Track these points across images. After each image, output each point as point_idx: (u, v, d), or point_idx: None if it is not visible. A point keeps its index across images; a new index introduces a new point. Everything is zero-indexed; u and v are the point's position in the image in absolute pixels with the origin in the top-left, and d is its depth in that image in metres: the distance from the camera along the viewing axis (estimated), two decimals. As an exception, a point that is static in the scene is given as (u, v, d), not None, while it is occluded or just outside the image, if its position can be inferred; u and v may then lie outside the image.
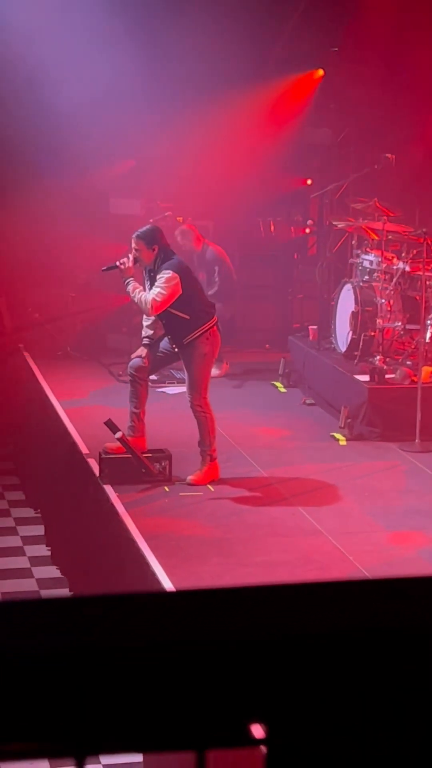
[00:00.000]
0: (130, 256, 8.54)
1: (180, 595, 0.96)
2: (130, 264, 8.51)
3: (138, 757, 5.97)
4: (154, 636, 0.92)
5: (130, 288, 8.49)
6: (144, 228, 8.74)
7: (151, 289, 8.50)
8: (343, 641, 0.95)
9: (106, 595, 0.97)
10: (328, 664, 0.93)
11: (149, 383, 9.02)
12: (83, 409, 10.36)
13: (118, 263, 8.54)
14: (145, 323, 8.84)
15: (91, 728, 0.88)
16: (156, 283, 8.42)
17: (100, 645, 0.91)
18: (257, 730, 0.96)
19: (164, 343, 8.74)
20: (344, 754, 0.92)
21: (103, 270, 8.91)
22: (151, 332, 8.78)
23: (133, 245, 8.53)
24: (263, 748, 0.95)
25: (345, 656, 0.95)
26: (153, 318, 8.69)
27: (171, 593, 0.98)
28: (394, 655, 1.00)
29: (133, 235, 8.60)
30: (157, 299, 8.38)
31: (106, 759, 5.83)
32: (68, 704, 0.90)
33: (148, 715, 0.87)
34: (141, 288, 8.51)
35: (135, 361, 8.77)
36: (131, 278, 8.51)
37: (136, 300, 8.50)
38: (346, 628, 0.97)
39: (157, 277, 8.44)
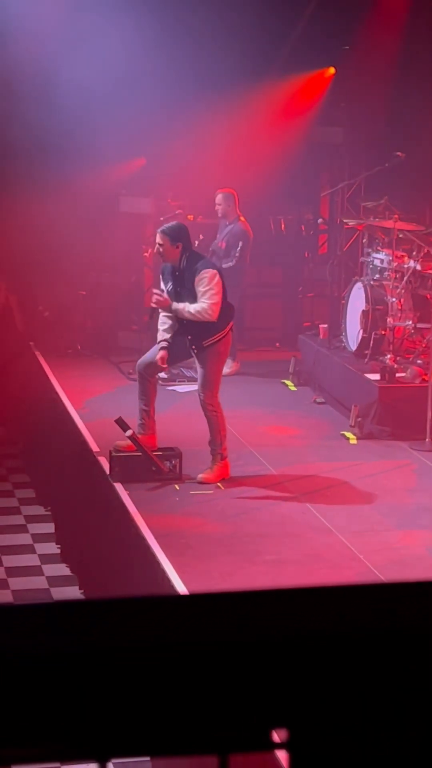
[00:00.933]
0: (154, 293, 8.51)
1: (198, 598, 0.96)
2: (161, 297, 8.43)
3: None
4: (170, 639, 0.92)
5: (178, 310, 8.34)
6: (170, 224, 8.69)
7: (170, 288, 8.43)
8: (366, 644, 0.95)
9: (125, 598, 0.97)
10: (349, 668, 0.93)
11: (160, 381, 9.01)
12: (93, 407, 10.36)
13: (153, 304, 8.50)
14: (161, 327, 8.66)
15: (110, 733, 0.88)
16: (201, 288, 8.28)
17: (119, 649, 0.91)
18: (279, 735, 0.96)
19: (177, 341, 8.67)
20: (367, 756, 0.92)
21: (150, 319, 8.79)
22: (168, 336, 8.62)
23: (158, 240, 8.48)
24: (285, 753, 0.95)
25: (367, 659, 0.95)
26: (169, 322, 8.54)
27: (187, 596, 0.98)
28: (414, 657, 0.99)
29: (158, 230, 8.56)
30: (213, 301, 8.26)
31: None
32: (90, 708, 0.89)
33: (170, 719, 0.87)
34: (185, 303, 8.39)
35: (143, 359, 8.73)
36: (171, 304, 8.40)
37: (190, 315, 8.30)
38: (368, 630, 0.96)
39: (197, 279, 8.29)
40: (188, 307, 8.32)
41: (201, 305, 8.28)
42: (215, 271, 8.39)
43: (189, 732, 0.86)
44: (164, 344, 8.57)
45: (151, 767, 6.08)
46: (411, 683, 0.98)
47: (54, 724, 0.90)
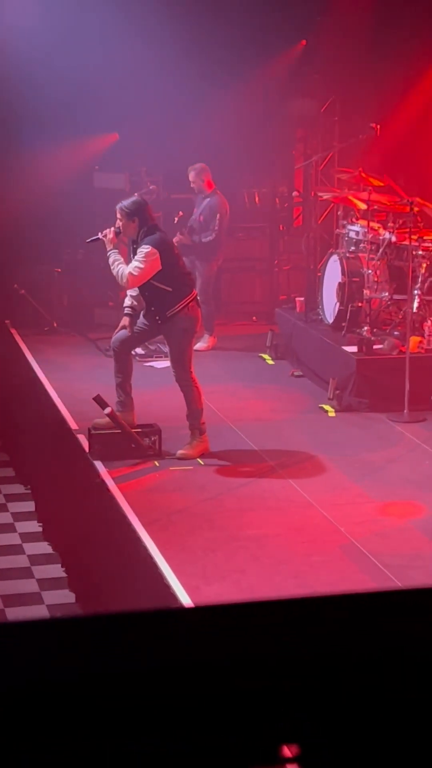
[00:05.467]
0: (112, 228, 8.57)
1: (205, 612, 0.96)
2: (112, 235, 8.53)
3: None
4: (176, 657, 0.92)
5: (111, 259, 8.54)
6: (128, 200, 8.74)
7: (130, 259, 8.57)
8: (378, 659, 0.95)
9: (123, 614, 0.96)
10: (362, 683, 0.93)
11: (137, 358, 9.02)
12: (71, 385, 10.34)
13: (100, 235, 8.59)
14: (130, 293, 8.83)
15: (118, 754, 0.87)
16: (135, 257, 8.45)
17: (125, 668, 0.90)
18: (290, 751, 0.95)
19: (143, 318, 8.74)
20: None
21: (87, 242, 8.95)
22: (135, 303, 8.80)
23: (117, 216, 8.58)
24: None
25: (380, 674, 0.94)
26: (134, 294, 8.74)
27: (188, 610, 0.97)
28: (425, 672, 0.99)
29: (117, 206, 8.64)
30: (134, 273, 8.42)
31: None
32: (93, 729, 0.89)
33: (179, 736, 0.86)
34: (122, 260, 8.53)
35: (117, 336, 8.78)
36: (114, 250, 8.54)
37: (114, 272, 8.52)
38: (380, 645, 0.96)
39: (138, 250, 8.47)
40: (115, 264, 8.49)
41: (124, 269, 8.45)
42: (155, 249, 8.42)
43: (201, 749, 0.86)
44: (128, 311, 8.76)
45: None
46: (422, 699, 0.98)
47: (56, 746, 0.89)
